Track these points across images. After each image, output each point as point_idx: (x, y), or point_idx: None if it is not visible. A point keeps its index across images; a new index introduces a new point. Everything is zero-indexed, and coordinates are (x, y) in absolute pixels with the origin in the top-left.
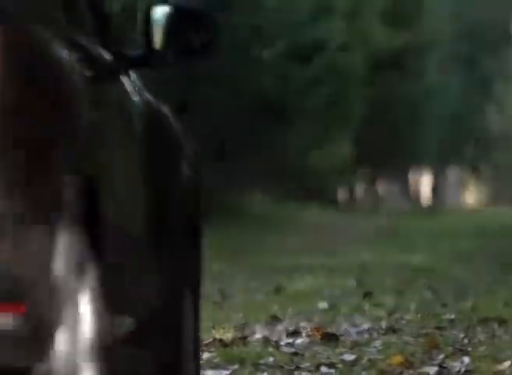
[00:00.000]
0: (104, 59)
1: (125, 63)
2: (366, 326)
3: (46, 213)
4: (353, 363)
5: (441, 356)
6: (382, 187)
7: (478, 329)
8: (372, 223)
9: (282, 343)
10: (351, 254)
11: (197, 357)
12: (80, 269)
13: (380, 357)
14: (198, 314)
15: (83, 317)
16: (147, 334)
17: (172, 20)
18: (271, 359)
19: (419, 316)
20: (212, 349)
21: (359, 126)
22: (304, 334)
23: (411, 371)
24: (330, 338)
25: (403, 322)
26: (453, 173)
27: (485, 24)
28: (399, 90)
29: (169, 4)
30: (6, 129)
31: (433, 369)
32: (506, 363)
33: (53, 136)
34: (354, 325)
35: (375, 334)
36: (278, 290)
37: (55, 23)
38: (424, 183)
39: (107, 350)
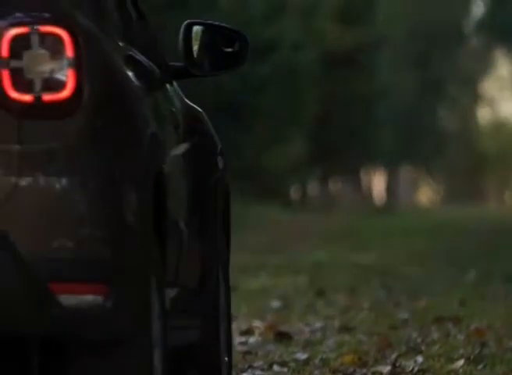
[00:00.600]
0: (155, 71)
1: (169, 74)
2: (319, 324)
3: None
4: (306, 362)
5: (394, 355)
6: (335, 186)
7: (432, 328)
8: (325, 222)
9: (235, 342)
10: (304, 253)
11: (229, 331)
12: (152, 251)
13: (333, 356)
14: (229, 290)
15: (154, 292)
16: (196, 304)
17: (207, 36)
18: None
19: (372, 314)
20: None
21: (312, 125)
22: (256, 333)
23: (364, 370)
24: (283, 337)
25: (356, 321)
26: (405, 172)
27: (437, 23)
28: (352, 88)
29: (205, 22)
30: (97, 131)
31: (386, 368)
32: (460, 362)
33: (129, 139)
34: (307, 324)
35: (327, 333)
36: (231, 288)
37: (116, 39)
38: (378, 182)
39: (166, 318)
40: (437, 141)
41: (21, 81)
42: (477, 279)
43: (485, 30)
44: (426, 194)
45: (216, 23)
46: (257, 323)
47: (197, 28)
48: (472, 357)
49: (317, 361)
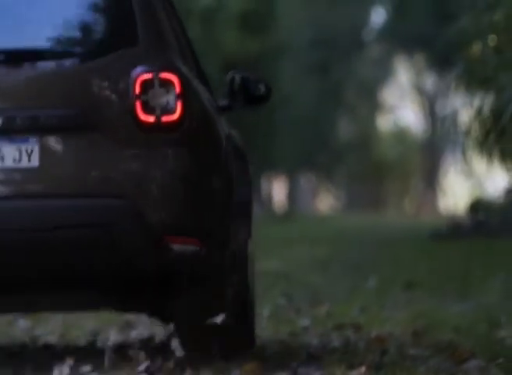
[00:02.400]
0: (215, 101)
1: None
2: None
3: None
4: None
5: (295, 363)
6: None
7: (333, 335)
8: None
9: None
10: None
11: (253, 294)
12: (226, 223)
13: (234, 364)
14: (253, 262)
15: (226, 248)
16: (241, 262)
17: (243, 82)
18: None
19: (273, 322)
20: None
21: None
22: (157, 340)
23: None
24: None
25: (257, 328)
26: (306, 180)
27: (338, 31)
28: None
29: (242, 73)
30: (195, 139)
31: None
32: (361, 369)
33: (214, 142)
34: None
35: None
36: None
37: (196, 80)
38: (278, 190)
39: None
40: (337, 148)
41: (147, 108)
42: (377, 286)
43: (385, 38)
44: (327, 202)
45: (248, 73)
46: (158, 330)
47: (237, 76)
48: (373, 364)
49: None
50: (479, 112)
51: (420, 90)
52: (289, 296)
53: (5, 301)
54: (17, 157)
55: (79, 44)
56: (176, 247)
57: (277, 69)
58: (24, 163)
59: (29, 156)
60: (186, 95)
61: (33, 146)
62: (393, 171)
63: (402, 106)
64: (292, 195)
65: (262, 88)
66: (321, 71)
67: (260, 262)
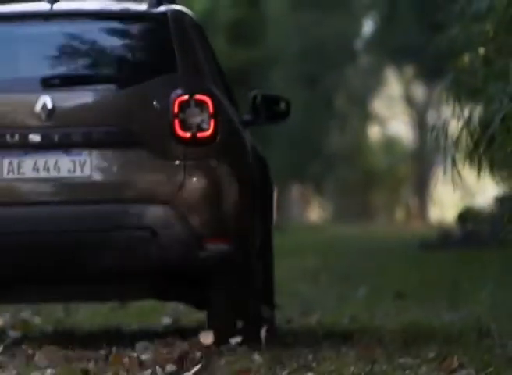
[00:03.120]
0: (241, 118)
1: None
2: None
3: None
4: None
5: (285, 372)
6: None
7: (323, 344)
8: None
9: None
10: None
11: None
12: (252, 225)
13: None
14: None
15: (251, 246)
16: (264, 251)
17: (264, 99)
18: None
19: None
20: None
21: None
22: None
23: None
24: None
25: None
26: (296, 190)
27: (329, 42)
28: (243, 106)
29: (264, 93)
30: (226, 151)
31: None
32: None
33: (241, 153)
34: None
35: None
36: (123, 305)
37: (226, 100)
38: None
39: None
40: (327, 158)
41: (184, 126)
42: (367, 295)
43: (375, 49)
44: (317, 212)
45: (270, 93)
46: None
47: (258, 95)
48: (363, 373)
49: None
50: (468, 122)
51: (410, 100)
52: (279, 306)
53: (70, 291)
54: (71, 168)
55: (126, 70)
56: (211, 245)
57: (267, 80)
58: (77, 173)
59: (82, 167)
60: (217, 114)
61: (85, 159)
62: (384, 181)
63: (392, 117)
64: (283, 205)
65: (282, 105)
66: (311, 81)
67: None
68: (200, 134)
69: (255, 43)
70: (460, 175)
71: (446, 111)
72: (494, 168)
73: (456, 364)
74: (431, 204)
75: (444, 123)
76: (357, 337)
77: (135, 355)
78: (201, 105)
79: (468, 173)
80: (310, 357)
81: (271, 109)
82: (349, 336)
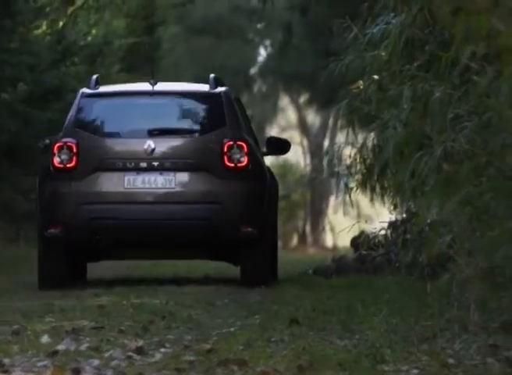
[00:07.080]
0: (261, 150)
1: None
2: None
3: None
4: None
5: None
6: None
7: (218, 370)
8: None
9: None
10: (86, 296)
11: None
12: (268, 221)
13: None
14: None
15: (268, 231)
16: (272, 238)
17: (275, 140)
18: None
19: (159, 356)
20: None
21: None
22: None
23: None
24: None
25: (144, 363)
26: None
27: (225, 70)
28: None
29: (270, 136)
30: (254, 174)
31: None
32: None
33: (263, 174)
34: (89, 364)
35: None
36: (16, 332)
37: (252, 140)
38: None
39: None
40: None
41: (230, 159)
42: (262, 321)
43: (270, 76)
44: None
45: (277, 136)
46: (45, 362)
47: (271, 137)
48: None
49: None
50: (362, 148)
51: (304, 127)
52: (174, 331)
53: (163, 252)
54: (164, 183)
55: (197, 126)
56: (243, 229)
57: None
58: (167, 186)
59: (170, 183)
60: (249, 153)
61: (172, 177)
62: (279, 207)
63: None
64: None
65: (286, 144)
66: None
67: (144, 298)
68: (239, 165)
69: (149, 70)
70: (351, 201)
71: (341, 137)
72: (386, 194)
73: None
74: (326, 230)
75: (338, 149)
76: (252, 364)
77: None
78: (240, 147)
79: (362, 198)
80: None
81: (279, 146)
82: (243, 362)
